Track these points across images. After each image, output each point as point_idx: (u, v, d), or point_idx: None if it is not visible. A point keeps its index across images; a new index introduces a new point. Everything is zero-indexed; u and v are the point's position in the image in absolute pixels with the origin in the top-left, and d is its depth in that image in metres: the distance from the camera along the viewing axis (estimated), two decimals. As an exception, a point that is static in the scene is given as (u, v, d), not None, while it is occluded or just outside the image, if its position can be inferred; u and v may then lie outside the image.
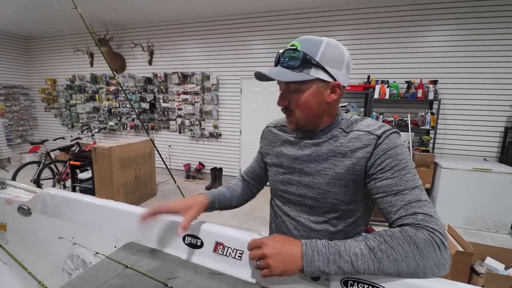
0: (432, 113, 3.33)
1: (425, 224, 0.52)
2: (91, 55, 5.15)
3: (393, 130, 0.65)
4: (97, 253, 0.89)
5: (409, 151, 3.27)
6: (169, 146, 4.93)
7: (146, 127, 4.99)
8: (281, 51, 0.67)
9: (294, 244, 0.56)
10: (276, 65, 0.67)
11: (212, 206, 0.80)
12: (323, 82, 0.65)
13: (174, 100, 4.72)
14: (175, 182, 0.92)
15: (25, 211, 1.07)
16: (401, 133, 3.17)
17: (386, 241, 0.51)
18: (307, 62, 0.63)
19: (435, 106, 3.39)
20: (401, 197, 0.57)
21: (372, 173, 0.62)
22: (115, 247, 0.84)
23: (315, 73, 0.63)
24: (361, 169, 0.64)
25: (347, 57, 0.68)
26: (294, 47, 0.64)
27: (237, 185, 0.94)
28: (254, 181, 0.95)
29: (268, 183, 0.91)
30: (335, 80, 0.65)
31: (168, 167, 4.86)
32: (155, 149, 1.25)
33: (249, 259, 0.66)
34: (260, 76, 0.66)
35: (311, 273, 0.53)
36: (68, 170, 3.62)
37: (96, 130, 4.25)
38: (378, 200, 0.61)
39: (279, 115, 0.82)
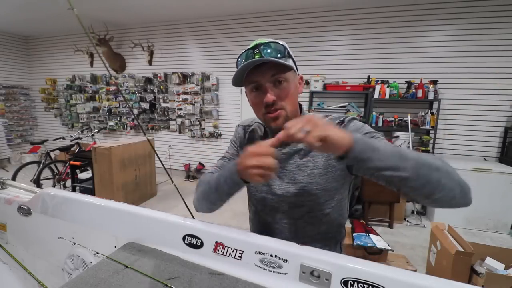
0: (432, 113, 3.33)
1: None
2: (91, 55, 5.15)
3: (355, 118, 0.72)
4: (97, 253, 0.89)
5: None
6: (169, 146, 4.92)
7: (146, 127, 4.99)
8: (255, 45, 0.66)
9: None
10: (254, 57, 0.64)
11: None
12: (295, 72, 0.69)
13: (174, 100, 4.72)
14: (172, 181, 0.92)
15: (25, 211, 1.07)
16: (401, 133, 3.14)
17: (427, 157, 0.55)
18: (286, 51, 0.66)
19: (435, 106, 3.39)
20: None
21: None
22: (115, 247, 0.84)
23: (291, 63, 0.67)
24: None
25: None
26: (270, 41, 0.66)
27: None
28: None
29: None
30: (297, 73, 0.70)
31: (168, 167, 4.88)
32: (153, 150, 1.25)
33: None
34: (246, 66, 0.64)
35: (362, 146, 0.51)
36: (68, 170, 3.62)
37: (96, 130, 4.25)
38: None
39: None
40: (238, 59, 0.70)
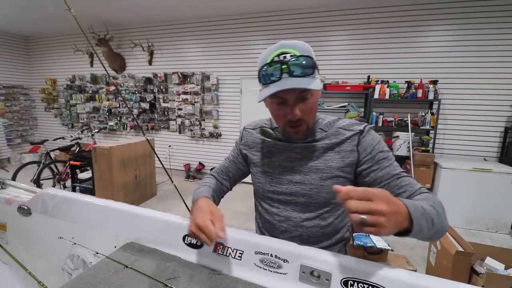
0: (432, 113, 3.33)
1: (429, 192, 0.64)
2: (91, 55, 5.15)
3: (369, 124, 0.74)
4: (97, 253, 0.89)
5: (409, 151, 3.27)
6: (169, 146, 4.92)
7: (146, 127, 4.99)
8: (281, 60, 0.62)
9: (400, 206, 0.48)
10: (280, 75, 0.63)
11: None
12: (320, 82, 0.68)
13: (174, 100, 4.72)
14: (172, 182, 0.92)
15: (25, 211, 1.07)
16: (401, 133, 3.15)
17: (428, 200, 0.58)
18: (315, 65, 0.64)
19: (435, 106, 3.39)
20: (402, 180, 0.66)
21: (369, 166, 0.70)
22: (115, 247, 0.84)
23: (317, 75, 0.66)
24: (352, 162, 0.72)
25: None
26: (292, 54, 0.63)
27: (214, 184, 0.86)
28: (228, 181, 0.92)
29: (234, 185, 0.93)
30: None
31: (168, 167, 4.88)
32: (153, 150, 1.25)
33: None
34: (277, 92, 0.62)
35: (416, 233, 0.50)
36: (68, 170, 3.62)
37: (96, 130, 4.25)
38: (385, 186, 0.67)
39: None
40: (262, 65, 0.66)
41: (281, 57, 0.63)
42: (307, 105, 0.67)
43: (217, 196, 0.84)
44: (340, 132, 0.73)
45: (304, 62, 0.62)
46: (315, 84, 0.63)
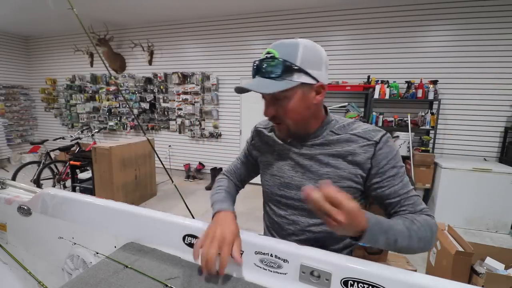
0: (432, 113, 3.33)
1: (430, 214, 0.65)
2: (91, 55, 5.15)
3: (387, 134, 0.69)
4: (97, 253, 0.89)
5: (409, 151, 3.27)
6: (169, 146, 4.92)
7: (146, 127, 4.99)
8: (257, 60, 0.65)
9: (361, 212, 0.53)
10: (254, 75, 0.66)
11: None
12: (308, 85, 0.65)
13: (174, 100, 4.72)
14: (172, 181, 0.92)
15: (25, 211, 1.07)
16: (401, 133, 3.13)
17: (414, 223, 0.60)
18: (288, 68, 0.62)
19: (435, 106, 3.39)
20: (409, 199, 0.66)
21: (378, 181, 0.67)
22: (115, 247, 0.84)
23: (298, 78, 0.63)
24: (365, 176, 0.69)
25: (324, 56, 0.68)
26: (272, 55, 0.63)
27: (230, 187, 0.89)
28: (239, 181, 0.95)
29: (246, 183, 0.95)
30: (317, 81, 0.66)
31: (168, 167, 4.88)
32: (153, 149, 1.25)
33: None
34: (242, 90, 0.65)
35: (367, 241, 0.55)
36: (68, 170, 3.62)
37: (96, 130, 4.25)
38: (389, 203, 0.67)
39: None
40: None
41: (265, 56, 0.64)
42: (282, 106, 0.67)
43: (233, 199, 0.86)
44: (353, 139, 0.69)
45: (272, 65, 0.62)
46: (277, 86, 0.62)
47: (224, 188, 0.85)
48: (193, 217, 0.86)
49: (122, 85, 5.02)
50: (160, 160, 1.24)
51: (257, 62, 0.65)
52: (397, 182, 0.66)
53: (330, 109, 3.91)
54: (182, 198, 1.14)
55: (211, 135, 4.59)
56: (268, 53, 0.64)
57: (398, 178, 0.66)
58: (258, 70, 0.64)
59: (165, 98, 4.78)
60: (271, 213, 0.83)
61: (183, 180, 4.67)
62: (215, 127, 4.56)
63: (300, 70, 0.63)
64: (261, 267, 0.66)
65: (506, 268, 1.79)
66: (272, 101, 0.68)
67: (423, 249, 0.61)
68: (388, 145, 0.67)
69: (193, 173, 4.74)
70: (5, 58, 5.52)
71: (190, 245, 0.75)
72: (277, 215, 0.80)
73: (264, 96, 0.68)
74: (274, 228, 0.83)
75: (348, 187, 0.68)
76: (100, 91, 5.22)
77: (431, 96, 3.27)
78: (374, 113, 3.49)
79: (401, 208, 0.66)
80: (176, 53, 4.62)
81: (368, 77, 3.58)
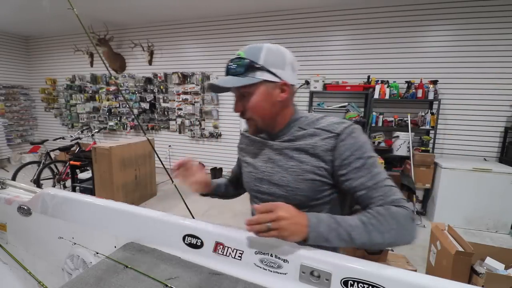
0: (432, 113, 3.33)
1: (401, 204, 0.62)
2: (91, 55, 5.15)
3: (353, 125, 0.69)
4: (97, 253, 0.89)
5: (409, 151, 3.27)
6: (169, 146, 4.93)
7: (146, 127, 4.99)
8: (228, 61, 0.72)
9: (300, 214, 0.60)
10: (226, 75, 0.72)
11: (214, 190, 0.94)
12: (271, 82, 0.70)
13: (174, 100, 4.72)
14: (173, 181, 0.92)
15: (25, 211, 1.07)
16: (401, 133, 3.12)
17: (374, 216, 0.60)
18: (251, 67, 0.68)
19: (435, 106, 3.39)
20: (378, 190, 0.64)
21: (345, 173, 0.67)
22: (115, 247, 0.84)
23: (261, 75, 0.68)
24: (329, 168, 0.69)
25: (289, 58, 0.72)
26: (239, 56, 0.70)
27: (224, 181, 1.01)
28: (238, 184, 1.00)
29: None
30: (281, 79, 0.70)
31: (168, 167, 4.88)
32: (153, 149, 1.26)
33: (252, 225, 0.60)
34: (212, 87, 0.72)
35: (315, 238, 0.59)
36: (68, 170, 3.62)
37: (96, 130, 4.25)
38: (359, 196, 0.67)
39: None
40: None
41: (234, 57, 0.72)
42: (248, 102, 0.71)
43: (220, 183, 0.97)
44: (317, 133, 0.71)
45: (238, 64, 0.69)
46: (240, 81, 0.68)
47: (226, 181, 1.00)
48: (193, 217, 0.86)
49: (122, 85, 5.02)
50: (161, 161, 1.24)
51: (228, 62, 0.72)
52: (364, 173, 0.65)
53: (330, 109, 3.90)
54: (182, 198, 1.14)
55: (211, 135, 4.59)
56: (238, 54, 0.71)
57: (365, 170, 0.65)
58: (228, 70, 0.71)
59: (165, 98, 4.78)
60: (252, 210, 0.84)
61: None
62: (215, 127, 4.56)
63: (263, 69, 0.68)
64: (261, 267, 0.66)
65: (506, 268, 1.79)
66: (240, 97, 0.73)
67: (397, 242, 0.61)
68: (352, 137, 0.67)
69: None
70: (5, 58, 5.52)
71: (190, 245, 0.75)
72: None
73: (234, 93, 0.74)
74: None
75: (312, 180, 0.70)
76: (100, 91, 5.22)
77: (431, 96, 3.27)
78: (374, 113, 3.49)
79: (371, 200, 0.64)
80: (176, 53, 4.62)
81: (368, 77, 3.58)
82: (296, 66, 0.75)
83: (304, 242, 0.60)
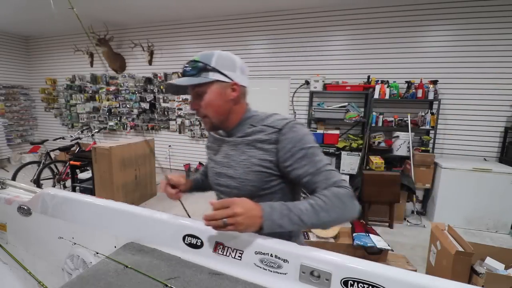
0: (432, 113, 3.33)
1: (341, 184, 0.70)
2: (91, 55, 5.15)
3: (294, 121, 0.77)
4: (97, 253, 0.89)
5: (409, 151, 3.27)
6: (169, 146, 4.92)
7: (146, 127, 4.99)
8: (184, 64, 0.80)
9: (255, 206, 0.65)
10: (182, 76, 0.80)
11: (194, 187, 1.03)
12: (222, 82, 0.77)
13: (174, 100, 4.72)
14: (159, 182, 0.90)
15: (25, 211, 1.07)
16: (401, 133, 3.13)
17: (320, 198, 0.67)
18: (204, 68, 0.76)
19: (435, 106, 3.39)
20: (320, 175, 0.71)
21: (289, 164, 0.73)
22: (115, 247, 0.84)
23: (213, 76, 0.76)
24: (274, 160, 0.75)
25: (239, 62, 0.81)
26: (194, 60, 0.77)
27: (200, 176, 1.09)
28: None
29: None
30: (232, 80, 0.78)
31: (168, 167, 4.88)
32: (152, 152, 1.25)
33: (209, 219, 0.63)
34: (170, 87, 0.80)
35: (269, 226, 0.64)
36: (68, 170, 3.62)
37: (96, 130, 4.25)
38: (305, 182, 0.73)
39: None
40: None
41: (190, 61, 0.79)
42: (202, 101, 0.78)
43: (199, 180, 1.07)
44: (264, 129, 0.77)
45: (192, 66, 0.76)
46: (193, 80, 0.75)
47: (201, 175, 1.10)
48: (189, 216, 0.87)
49: (122, 85, 5.02)
50: (155, 158, 1.21)
51: (184, 65, 0.79)
52: (306, 162, 0.72)
53: (330, 109, 3.90)
54: (183, 205, 1.13)
55: (211, 135, 4.58)
56: (192, 59, 0.79)
57: (307, 158, 0.72)
58: (184, 72, 0.78)
59: (165, 98, 4.78)
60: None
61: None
62: (215, 127, 4.56)
63: (215, 70, 0.76)
64: (261, 267, 0.66)
65: (506, 268, 1.79)
66: (195, 96, 0.80)
67: (342, 218, 0.68)
68: (293, 130, 0.74)
69: (193, 173, 4.74)
70: (5, 58, 5.52)
71: (190, 245, 0.75)
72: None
73: (191, 93, 0.82)
74: None
75: (259, 172, 0.76)
76: (100, 91, 5.22)
77: (431, 96, 3.27)
78: (374, 113, 3.49)
79: (316, 185, 0.71)
80: (176, 53, 4.62)
81: (368, 77, 3.58)
82: (246, 70, 0.84)
83: (260, 231, 0.64)
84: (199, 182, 1.06)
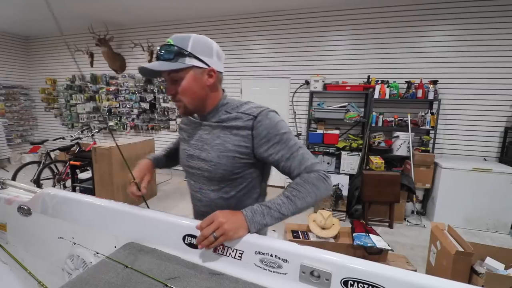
0: (432, 113, 3.33)
1: (313, 169, 0.74)
2: (91, 55, 5.15)
3: (268, 109, 0.79)
4: (97, 253, 0.89)
5: (409, 151, 3.27)
6: (169, 146, 4.92)
7: (146, 127, 4.99)
8: (158, 48, 0.77)
9: (236, 213, 0.70)
10: (157, 60, 0.77)
11: (157, 167, 1.03)
12: (199, 68, 0.77)
13: (174, 100, 4.72)
14: (134, 179, 0.83)
15: (25, 211, 1.07)
16: (401, 133, 3.13)
17: (294, 188, 0.72)
18: (180, 53, 0.74)
19: (435, 106, 3.39)
20: (293, 159, 0.75)
21: (266, 149, 0.76)
22: (115, 247, 0.84)
23: (189, 61, 0.75)
24: (249, 146, 0.77)
25: (215, 47, 0.81)
26: (169, 43, 0.75)
27: (169, 149, 1.10)
28: (176, 155, 1.05)
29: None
30: (209, 66, 0.77)
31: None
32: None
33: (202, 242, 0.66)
34: (143, 71, 0.77)
35: (255, 228, 0.69)
36: (68, 170, 3.62)
37: (96, 130, 4.25)
38: (280, 167, 0.77)
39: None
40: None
41: (164, 44, 0.77)
42: (177, 86, 0.77)
43: (166, 155, 1.07)
44: (240, 116, 0.79)
45: (168, 50, 0.74)
46: (170, 66, 0.73)
47: (165, 149, 1.09)
48: (148, 207, 0.89)
49: (122, 85, 5.02)
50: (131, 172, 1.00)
51: (158, 48, 0.77)
52: (282, 147, 0.75)
53: (330, 109, 3.89)
54: (144, 198, 1.08)
55: (211, 135, 4.58)
56: (167, 42, 0.76)
57: (283, 144, 0.76)
58: (158, 56, 0.76)
59: (165, 98, 4.78)
60: (188, 187, 0.95)
61: (183, 180, 4.67)
62: (215, 127, 4.56)
63: (191, 55, 0.75)
64: (261, 267, 0.66)
65: (506, 268, 1.79)
66: (172, 81, 0.78)
67: (318, 200, 0.74)
68: (268, 118, 0.77)
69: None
70: (5, 58, 5.52)
71: (190, 245, 0.75)
72: (190, 184, 0.92)
73: (165, 78, 0.79)
74: (191, 197, 0.95)
75: (233, 156, 0.78)
76: (100, 91, 5.22)
77: (431, 96, 3.27)
78: (374, 113, 3.49)
79: (290, 170, 0.75)
80: (176, 53, 4.61)
81: (368, 77, 3.58)
82: (222, 56, 0.83)
83: (248, 233, 0.69)
84: (163, 161, 1.06)
